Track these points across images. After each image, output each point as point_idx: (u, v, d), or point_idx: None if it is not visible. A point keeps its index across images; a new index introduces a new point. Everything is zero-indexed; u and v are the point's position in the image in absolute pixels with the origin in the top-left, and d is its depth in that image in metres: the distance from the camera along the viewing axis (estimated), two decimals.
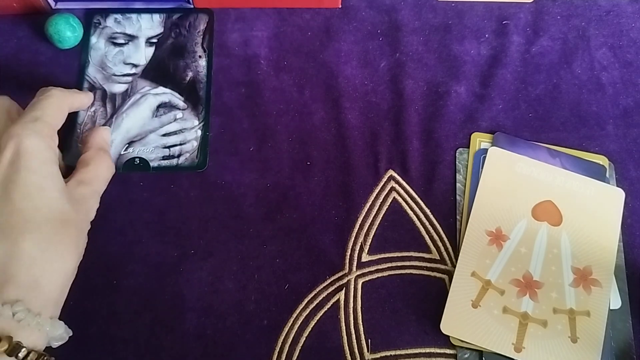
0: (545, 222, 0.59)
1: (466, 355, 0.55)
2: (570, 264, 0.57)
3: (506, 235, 0.58)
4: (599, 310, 0.56)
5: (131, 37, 0.66)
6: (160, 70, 0.65)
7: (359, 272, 0.58)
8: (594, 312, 0.55)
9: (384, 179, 0.61)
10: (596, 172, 0.61)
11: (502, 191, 0.60)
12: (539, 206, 0.59)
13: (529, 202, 0.60)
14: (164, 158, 0.61)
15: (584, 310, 0.56)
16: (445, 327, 0.55)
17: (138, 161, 0.61)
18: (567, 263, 0.57)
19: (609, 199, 0.60)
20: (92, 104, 0.63)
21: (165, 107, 0.63)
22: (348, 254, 0.59)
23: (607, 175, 0.62)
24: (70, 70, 0.64)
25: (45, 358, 0.44)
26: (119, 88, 0.64)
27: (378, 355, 0.56)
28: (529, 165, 0.61)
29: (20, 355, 0.42)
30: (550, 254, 0.57)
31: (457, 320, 0.55)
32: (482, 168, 0.61)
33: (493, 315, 0.55)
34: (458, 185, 0.61)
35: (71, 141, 0.61)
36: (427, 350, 0.56)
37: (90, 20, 0.67)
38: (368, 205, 0.61)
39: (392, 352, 0.56)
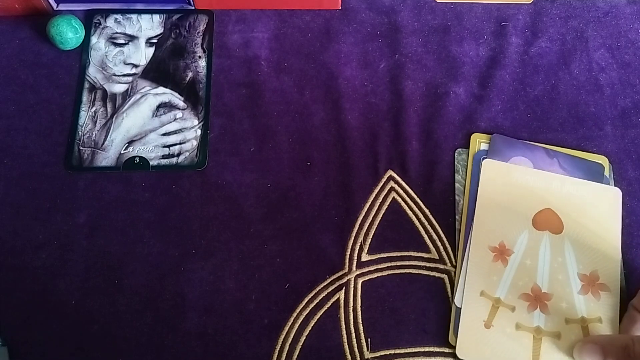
0: (546, 231, 0.58)
1: None
2: (577, 271, 0.56)
3: (510, 249, 0.57)
4: (610, 314, 0.55)
5: (131, 38, 0.66)
6: (160, 71, 0.65)
7: (358, 272, 0.59)
8: (605, 317, 0.55)
9: (384, 179, 0.62)
10: (594, 171, 0.62)
11: (501, 204, 0.59)
12: (538, 215, 0.58)
13: (529, 212, 0.59)
14: (164, 157, 0.62)
15: (596, 317, 0.55)
16: (461, 351, 0.54)
17: (138, 160, 0.61)
18: (573, 271, 0.56)
19: (607, 199, 0.59)
20: (93, 104, 0.63)
21: (165, 106, 0.64)
22: (348, 253, 0.59)
23: (607, 174, 0.62)
24: (72, 70, 0.65)
25: None
26: (119, 88, 0.64)
27: (377, 354, 0.56)
28: (524, 174, 0.60)
29: None
30: (555, 263, 0.56)
31: (471, 343, 0.54)
32: (481, 169, 0.62)
33: (506, 334, 0.54)
34: (457, 185, 0.61)
35: (72, 143, 0.61)
36: (426, 349, 0.56)
37: (90, 20, 0.67)
38: (368, 205, 0.61)
39: (392, 351, 0.56)
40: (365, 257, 0.59)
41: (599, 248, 0.57)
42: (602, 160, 0.62)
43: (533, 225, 0.58)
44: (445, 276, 0.58)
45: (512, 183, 0.60)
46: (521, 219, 0.58)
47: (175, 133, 0.63)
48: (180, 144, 0.62)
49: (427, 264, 0.59)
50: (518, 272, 0.56)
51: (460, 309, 0.56)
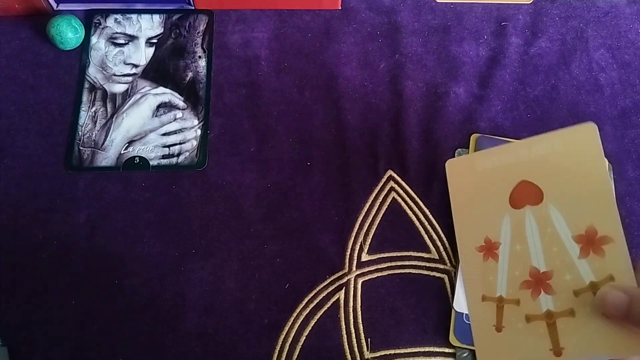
0: (526, 207, 0.51)
1: (465, 354, 0.56)
2: (570, 235, 0.49)
3: (496, 242, 0.52)
4: (621, 266, 0.47)
5: (131, 38, 0.66)
6: (160, 71, 0.65)
7: (358, 272, 0.59)
8: (617, 272, 0.47)
9: (384, 179, 0.62)
10: None
11: (474, 199, 0.54)
12: (514, 193, 0.52)
13: (503, 194, 0.53)
14: (164, 157, 0.62)
15: (606, 276, 0.47)
16: None
17: (138, 160, 0.61)
18: (566, 236, 0.50)
19: (583, 139, 0.51)
20: (93, 104, 0.63)
21: (165, 106, 0.64)
22: (348, 253, 0.59)
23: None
24: (72, 70, 0.65)
25: None
26: (119, 88, 0.64)
27: (377, 354, 0.56)
28: (487, 157, 0.54)
29: None
30: (545, 237, 0.50)
31: (490, 353, 0.51)
32: None
33: (519, 330, 0.50)
34: None
35: (72, 143, 0.61)
36: (426, 349, 0.56)
37: (90, 20, 0.67)
38: (368, 205, 0.61)
39: (392, 351, 0.56)
40: (365, 257, 0.59)
41: (588, 197, 0.50)
42: None
43: (512, 206, 0.52)
44: (445, 276, 0.58)
45: (478, 173, 0.54)
46: (498, 205, 0.53)
47: (175, 133, 0.63)
48: (180, 144, 0.62)
49: (427, 264, 0.59)
50: (511, 261, 0.51)
51: (461, 314, 0.55)
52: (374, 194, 0.61)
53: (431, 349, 0.56)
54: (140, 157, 0.61)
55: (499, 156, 0.53)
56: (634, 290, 0.44)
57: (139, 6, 0.68)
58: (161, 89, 0.64)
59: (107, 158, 0.61)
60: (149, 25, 0.67)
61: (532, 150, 0.52)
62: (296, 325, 0.57)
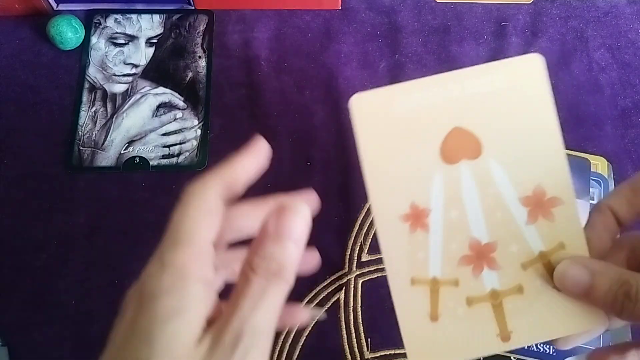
0: (462, 161, 0.41)
1: None
2: (516, 196, 0.41)
3: (425, 208, 0.41)
4: (571, 233, 0.40)
5: (131, 38, 0.66)
6: (160, 71, 0.65)
7: (358, 272, 0.59)
8: (568, 239, 0.40)
9: None
10: (578, 167, 0.61)
11: (393, 150, 0.41)
12: (446, 143, 0.41)
13: (432, 145, 0.41)
14: (164, 157, 0.62)
15: (556, 243, 0.40)
16: None
17: (138, 160, 0.61)
18: (512, 198, 0.41)
19: (526, 75, 0.42)
20: (93, 104, 0.63)
21: (165, 106, 0.64)
22: (348, 253, 0.59)
23: (606, 175, 0.62)
24: (72, 70, 0.65)
25: None
26: (119, 88, 0.64)
27: (378, 354, 0.56)
28: (407, 93, 0.42)
29: None
30: (487, 199, 0.41)
31: (423, 348, 0.42)
32: None
33: (459, 317, 0.41)
34: None
35: (72, 143, 0.61)
36: None
37: (90, 20, 0.67)
38: (368, 205, 0.61)
39: (392, 351, 0.56)
40: (365, 257, 0.59)
41: (536, 150, 0.41)
42: (602, 162, 0.62)
43: (443, 161, 0.41)
44: None
45: (397, 115, 0.41)
46: (425, 159, 0.41)
47: (175, 133, 0.63)
48: (180, 144, 0.62)
49: None
50: (446, 232, 0.41)
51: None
52: None
53: None
54: (140, 157, 0.61)
55: (423, 92, 0.42)
56: (595, 264, 0.39)
57: (139, 6, 0.68)
58: (161, 89, 0.64)
59: (107, 158, 0.61)
60: (149, 25, 0.67)
61: (464, 87, 0.41)
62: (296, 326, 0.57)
